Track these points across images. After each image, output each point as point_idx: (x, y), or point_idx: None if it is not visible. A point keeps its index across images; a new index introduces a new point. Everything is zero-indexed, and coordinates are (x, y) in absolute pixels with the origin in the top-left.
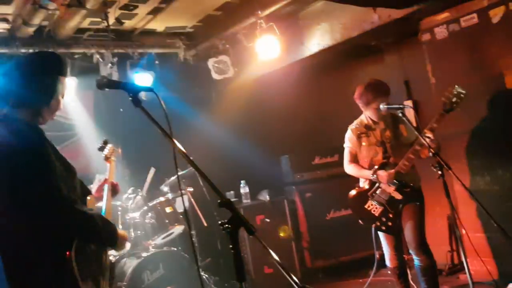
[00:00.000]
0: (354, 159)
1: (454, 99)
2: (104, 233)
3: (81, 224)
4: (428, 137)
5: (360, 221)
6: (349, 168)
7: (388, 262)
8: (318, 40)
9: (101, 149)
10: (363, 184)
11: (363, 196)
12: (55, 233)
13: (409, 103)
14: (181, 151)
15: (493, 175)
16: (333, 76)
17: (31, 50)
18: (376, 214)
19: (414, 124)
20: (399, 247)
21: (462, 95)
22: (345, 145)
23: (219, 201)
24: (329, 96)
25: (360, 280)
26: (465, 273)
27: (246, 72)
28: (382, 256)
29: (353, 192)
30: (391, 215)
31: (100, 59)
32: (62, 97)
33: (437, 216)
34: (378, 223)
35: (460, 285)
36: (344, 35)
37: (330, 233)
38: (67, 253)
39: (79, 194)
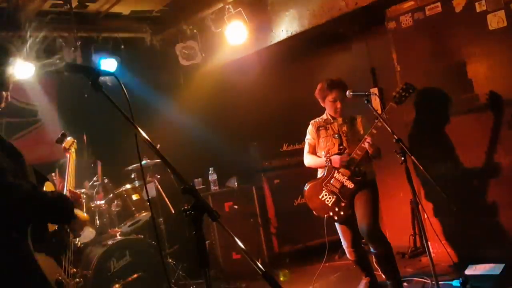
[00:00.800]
0: (313, 151)
1: (403, 93)
2: (55, 208)
3: (24, 198)
4: (368, 142)
5: (314, 211)
6: (307, 159)
7: (348, 255)
8: (286, 26)
9: (60, 141)
10: (319, 175)
11: (318, 187)
12: (5, 219)
13: (375, 90)
14: (143, 138)
15: (454, 160)
16: (302, 63)
17: None
18: (329, 204)
19: (379, 111)
20: (355, 240)
21: (411, 91)
22: (305, 138)
23: (182, 187)
24: (297, 83)
25: (327, 264)
26: (427, 256)
27: (214, 58)
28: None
29: (308, 183)
30: (343, 204)
31: (63, 43)
32: (7, 90)
33: (401, 202)
34: (331, 213)
35: (422, 267)
36: (312, 22)
37: (297, 219)
38: (24, 239)
39: (31, 180)
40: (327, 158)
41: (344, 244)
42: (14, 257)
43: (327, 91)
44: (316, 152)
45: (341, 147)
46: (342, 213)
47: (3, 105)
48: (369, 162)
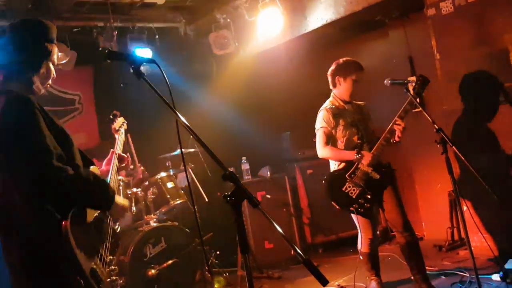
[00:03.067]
0: (329, 141)
1: (420, 86)
2: (97, 192)
3: (68, 181)
4: (400, 125)
5: (335, 204)
6: (326, 151)
7: (360, 246)
8: (321, 14)
9: (110, 121)
10: (334, 166)
11: (341, 178)
12: (48, 201)
13: (413, 78)
14: (184, 124)
15: (496, 152)
16: (336, 51)
17: None
18: (354, 196)
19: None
20: (375, 233)
21: (426, 83)
22: (318, 127)
23: (222, 173)
24: None
25: (361, 256)
26: (465, 249)
27: (247, 47)
28: (381, 231)
29: (329, 175)
30: (369, 196)
31: (100, 33)
32: (53, 64)
33: (439, 193)
34: (356, 205)
35: (460, 261)
36: (348, 10)
37: (330, 209)
38: (63, 223)
39: (77, 163)
40: (357, 151)
41: (364, 236)
42: (51, 237)
43: (353, 70)
44: (335, 142)
45: (359, 136)
46: (367, 205)
47: (50, 81)
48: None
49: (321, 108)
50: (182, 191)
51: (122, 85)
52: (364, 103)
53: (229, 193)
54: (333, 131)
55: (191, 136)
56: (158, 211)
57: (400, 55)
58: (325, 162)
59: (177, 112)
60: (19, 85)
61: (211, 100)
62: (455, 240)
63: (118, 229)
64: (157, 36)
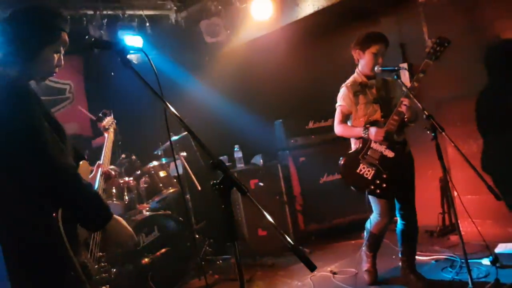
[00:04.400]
0: (345, 119)
1: (438, 48)
2: (91, 210)
3: (70, 186)
4: (405, 105)
5: (353, 188)
6: (339, 128)
7: (371, 226)
8: (313, 1)
9: (100, 119)
10: (354, 147)
11: (354, 160)
12: (43, 193)
13: (404, 65)
14: (173, 113)
15: (487, 139)
16: (328, 39)
17: None
18: (369, 177)
19: (408, 85)
20: (391, 214)
21: (446, 44)
22: (337, 104)
23: (210, 161)
24: (323, 60)
25: (353, 242)
26: (456, 234)
27: (239, 34)
28: None
29: (343, 159)
30: (385, 176)
31: (89, 21)
32: (56, 53)
33: (429, 179)
34: (372, 187)
35: (451, 246)
36: None
37: (323, 196)
38: (54, 214)
39: (70, 156)
40: (364, 128)
41: (380, 218)
42: (43, 231)
43: (372, 42)
44: (352, 120)
45: (383, 113)
46: (384, 185)
47: (56, 69)
48: (403, 132)
49: (343, 84)
50: (175, 180)
51: (112, 74)
52: (393, 80)
53: (218, 181)
54: (354, 109)
55: (185, 121)
56: (150, 200)
57: (392, 42)
58: (318, 150)
59: (166, 101)
60: (17, 71)
61: (203, 88)
62: (446, 226)
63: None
64: (147, 24)
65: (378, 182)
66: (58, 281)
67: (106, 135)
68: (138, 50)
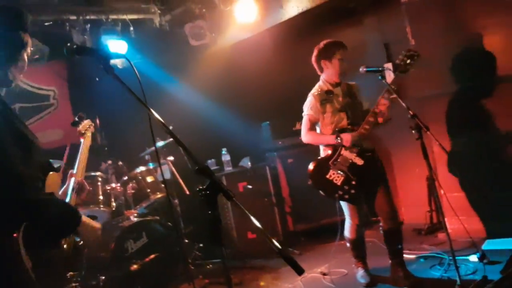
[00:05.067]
0: (313, 128)
1: (408, 61)
2: (58, 221)
3: (32, 209)
4: (385, 104)
5: (321, 192)
6: (308, 136)
7: (347, 233)
8: (296, 3)
9: (76, 124)
10: (324, 154)
11: (324, 166)
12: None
13: (389, 65)
14: (157, 119)
15: (470, 135)
16: (313, 40)
17: None
18: (339, 183)
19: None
20: (362, 218)
21: (415, 57)
22: (304, 113)
23: (196, 167)
24: (308, 61)
25: (342, 242)
26: (443, 232)
27: (223, 37)
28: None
29: (313, 164)
30: (353, 183)
31: (72, 27)
32: (28, 56)
33: (416, 178)
34: (341, 192)
35: (439, 243)
36: None
37: (311, 197)
38: (14, 234)
39: (37, 171)
40: (336, 135)
41: (351, 222)
42: (6, 262)
43: (335, 49)
44: (320, 128)
45: (349, 121)
46: (353, 191)
47: (26, 65)
48: (370, 138)
49: (309, 94)
50: (162, 185)
51: (97, 79)
52: (355, 83)
53: (204, 187)
54: (321, 117)
55: (171, 127)
56: (138, 206)
57: (376, 42)
58: (305, 151)
59: (149, 108)
60: None
61: (189, 91)
62: (434, 224)
63: (81, 242)
64: (131, 28)
65: (346, 188)
66: None
67: (81, 139)
68: (120, 56)
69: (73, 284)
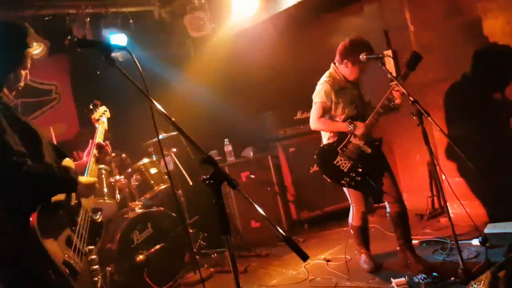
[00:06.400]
0: (324, 115)
1: (414, 61)
2: (56, 182)
3: (27, 175)
4: (398, 91)
5: (327, 178)
6: (320, 123)
7: (351, 220)
8: None
9: (90, 111)
10: (328, 141)
11: (333, 152)
12: (11, 198)
13: (389, 52)
14: (159, 111)
15: (471, 120)
16: (313, 29)
17: None
18: (345, 170)
19: (394, 74)
20: (367, 206)
21: (419, 60)
22: (316, 99)
23: (200, 158)
24: (308, 50)
25: (345, 229)
26: (445, 217)
27: (224, 28)
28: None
29: (321, 149)
30: (360, 170)
31: (72, 20)
32: (25, 69)
33: (418, 164)
34: (347, 179)
35: (441, 228)
36: None
37: (314, 185)
38: (30, 218)
39: (48, 158)
40: (349, 122)
41: (356, 208)
42: (15, 235)
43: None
44: (331, 117)
45: (357, 113)
46: (358, 178)
47: (22, 84)
48: (378, 127)
49: (321, 81)
50: (166, 176)
51: (98, 72)
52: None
53: (208, 176)
54: (333, 107)
55: (173, 119)
56: (143, 198)
57: (376, 29)
58: (307, 140)
59: (152, 99)
60: None
61: (191, 83)
62: (435, 208)
63: (100, 219)
64: (131, 21)
65: (353, 175)
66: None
67: (97, 125)
68: (122, 48)
69: (93, 256)
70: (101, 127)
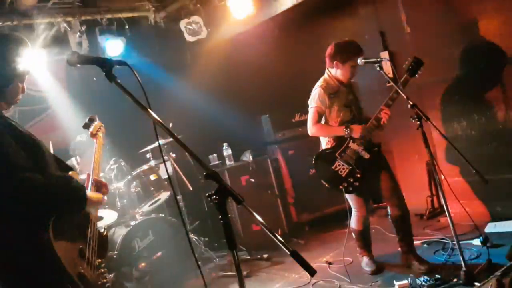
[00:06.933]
0: (320, 120)
1: (416, 67)
2: (67, 196)
3: (38, 190)
4: (386, 114)
5: (325, 183)
6: (316, 128)
7: (354, 225)
8: None
9: (87, 126)
10: (326, 146)
11: (330, 157)
12: (24, 216)
13: (385, 54)
14: (160, 124)
15: (469, 120)
16: (309, 31)
17: None
18: (343, 175)
19: (390, 75)
20: (367, 209)
21: (421, 65)
22: (311, 105)
23: (205, 173)
24: (305, 52)
25: (346, 230)
26: (445, 216)
27: (220, 32)
28: None
29: (318, 155)
30: (358, 175)
31: (68, 28)
32: (22, 82)
33: (417, 164)
34: (345, 184)
35: (441, 228)
36: None
37: (314, 188)
38: (46, 235)
39: (53, 170)
40: (346, 126)
41: (357, 213)
42: (33, 250)
43: (351, 55)
44: (326, 122)
45: (351, 118)
46: (357, 183)
47: (20, 96)
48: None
49: (316, 86)
50: (166, 182)
51: (95, 79)
52: (354, 82)
53: (213, 192)
54: (327, 111)
55: (170, 124)
56: (143, 204)
57: (372, 31)
58: (306, 142)
59: (155, 115)
60: None
61: (188, 87)
62: (435, 208)
63: (105, 232)
64: (127, 27)
65: (351, 180)
66: None
67: (94, 140)
68: (123, 63)
69: (102, 270)
70: (98, 142)
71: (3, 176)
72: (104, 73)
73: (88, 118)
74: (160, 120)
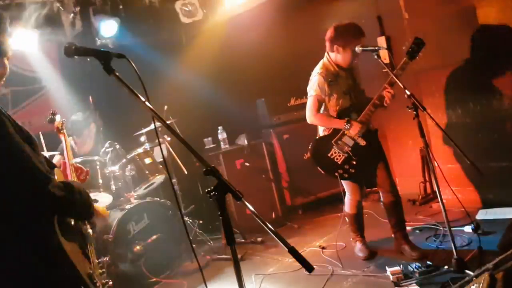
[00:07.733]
0: (320, 108)
1: (416, 48)
2: (81, 205)
3: (61, 199)
4: (389, 92)
5: (321, 170)
6: (316, 118)
7: (347, 209)
8: None
9: (51, 120)
10: (323, 133)
11: (326, 144)
12: (33, 214)
13: (382, 39)
14: (160, 121)
15: (465, 108)
16: (305, 14)
17: None
18: (339, 162)
19: (386, 61)
20: (361, 195)
21: (421, 46)
22: (310, 93)
23: (204, 169)
24: (301, 35)
25: (339, 215)
26: (437, 202)
27: (215, 14)
28: None
29: (315, 142)
30: (354, 162)
31: (61, 8)
32: (8, 60)
33: (411, 149)
34: (341, 171)
35: (433, 214)
36: None
37: (308, 172)
38: (57, 238)
39: (46, 167)
40: (347, 121)
41: (351, 197)
42: (46, 249)
43: (354, 39)
44: (325, 110)
45: (351, 103)
46: (352, 170)
47: (6, 72)
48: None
49: (314, 73)
50: (161, 166)
51: (88, 59)
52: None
53: (212, 188)
54: (327, 99)
55: (165, 107)
56: (138, 188)
57: (369, 15)
58: (301, 127)
59: (154, 110)
60: None
61: (183, 70)
62: (428, 194)
63: (91, 233)
64: (121, 6)
65: (347, 167)
66: None
67: (61, 136)
68: (120, 56)
69: (100, 270)
70: (66, 138)
71: (25, 182)
72: (102, 65)
73: (51, 112)
74: (159, 115)
